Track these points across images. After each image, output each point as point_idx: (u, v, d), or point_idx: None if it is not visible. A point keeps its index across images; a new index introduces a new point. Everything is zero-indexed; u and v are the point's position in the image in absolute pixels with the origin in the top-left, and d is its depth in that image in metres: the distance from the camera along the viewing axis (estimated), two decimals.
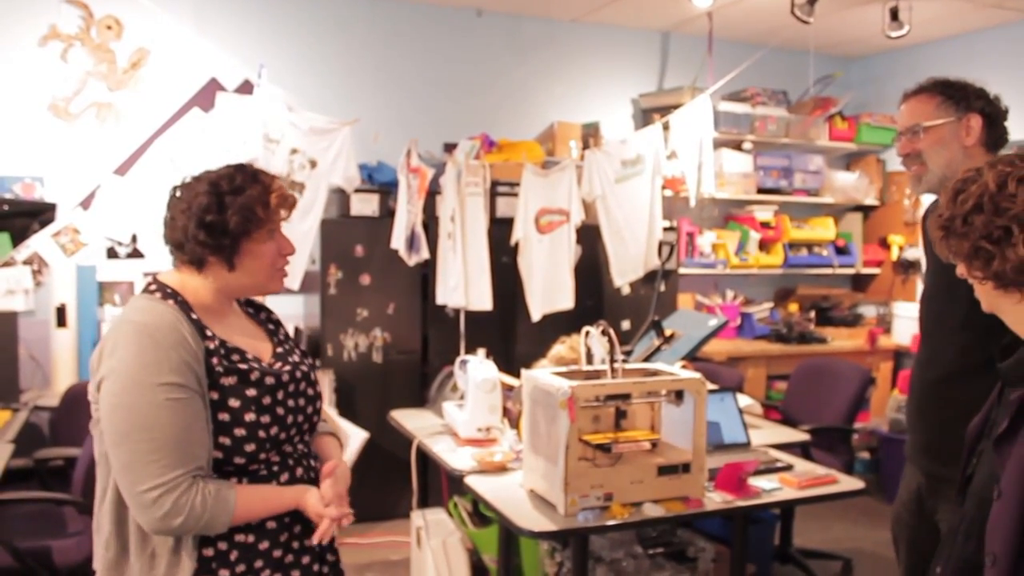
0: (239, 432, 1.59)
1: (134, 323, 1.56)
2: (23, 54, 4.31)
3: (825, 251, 5.95)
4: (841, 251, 5.99)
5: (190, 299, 1.65)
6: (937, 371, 2.19)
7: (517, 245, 4.60)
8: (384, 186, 4.65)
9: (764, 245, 5.76)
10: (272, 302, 2.27)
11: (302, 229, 4.25)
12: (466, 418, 3.10)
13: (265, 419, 1.62)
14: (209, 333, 1.62)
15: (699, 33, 5.53)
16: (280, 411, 1.66)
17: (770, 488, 2.62)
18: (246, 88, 4.56)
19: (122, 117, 4.48)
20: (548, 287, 4.64)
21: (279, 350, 1.78)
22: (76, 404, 3.70)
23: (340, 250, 4.49)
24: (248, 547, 1.61)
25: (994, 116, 2.15)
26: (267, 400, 1.63)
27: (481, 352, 3.51)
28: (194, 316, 1.62)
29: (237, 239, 1.63)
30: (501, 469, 2.77)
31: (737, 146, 5.58)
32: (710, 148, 5.15)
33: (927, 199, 2.96)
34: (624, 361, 2.53)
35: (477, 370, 3.12)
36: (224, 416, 1.58)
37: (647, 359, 3.30)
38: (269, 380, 1.65)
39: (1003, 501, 1.33)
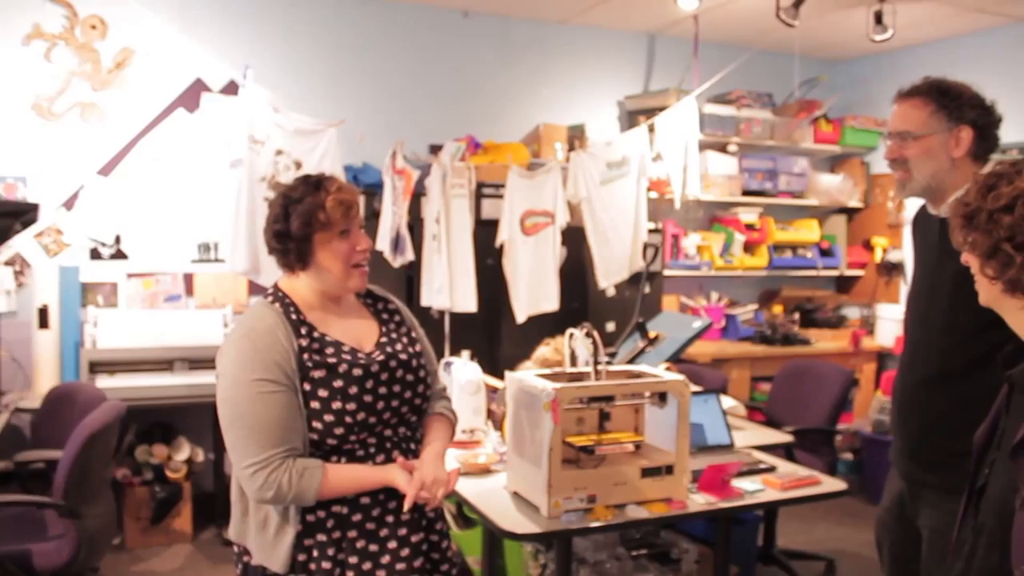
0: (328, 418, 1.82)
1: (244, 327, 1.85)
2: (6, 53, 4.28)
3: (809, 253, 5.98)
4: (825, 253, 6.03)
5: (297, 300, 1.90)
6: (918, 374, 2.18)
7: (502, 247, 4.59)
8: (369, 187, 4.64)
9: (749, 247, 5.79)
10: None
11: None
12: None
13: (351, 406, 1.83)
14: (304, 331, 1.85)
15: (685, 35, 5.55)
16: (368, 399, 1.85)
17: (753, 489, 2.63)
18: (231, 89, 4.55)
19: (106, 117, 4.46)
20: (533, 289, 4.64)
21: (383, 339, 1.97)
22: (58, 406, 3.65)
23: None
24: (342, 517, 1.85)
25: (986, 128, 2.09)
26: (353, 389, 1.83)
27: (466, 354, 3.50)
28: (294, 317, 1.86)
29: (301, 243, 1.86)
30: (485, 471, 2.77)
31: (722, 148, 5.60)
32: (695, 150, 5.17)
33: (912, 203, 2.97)
34: (608, 363, 2.53)
35: (461, 372, 3.12)
36: (315, 404, 1.82)
37: (631, 361, 3.31)
38: (357, 371, 1.85)
39: None
